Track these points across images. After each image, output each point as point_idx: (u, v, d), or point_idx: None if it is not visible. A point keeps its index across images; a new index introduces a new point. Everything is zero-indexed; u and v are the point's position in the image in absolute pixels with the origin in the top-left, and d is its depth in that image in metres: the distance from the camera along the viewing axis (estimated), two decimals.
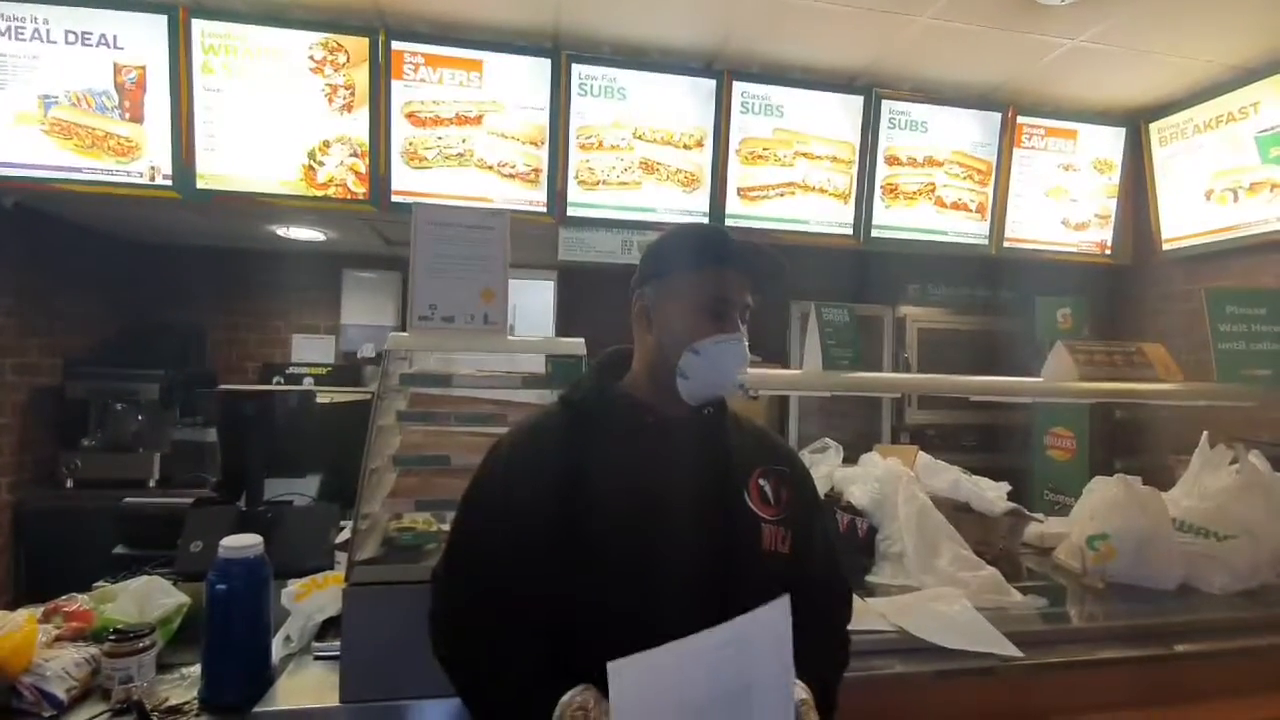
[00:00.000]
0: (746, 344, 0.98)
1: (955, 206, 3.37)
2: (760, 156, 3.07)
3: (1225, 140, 3.14)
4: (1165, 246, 3.45)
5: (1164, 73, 3.11)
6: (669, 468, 0.95)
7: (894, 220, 3.29)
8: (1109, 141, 3.54)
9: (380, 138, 2.79)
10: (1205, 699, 1.55)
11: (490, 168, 2.86)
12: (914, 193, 3.29)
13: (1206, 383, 2.16)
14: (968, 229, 3.43)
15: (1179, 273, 3.43)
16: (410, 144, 2.82)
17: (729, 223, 3.06)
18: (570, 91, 2.91)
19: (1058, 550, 2.11)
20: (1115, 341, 2.24)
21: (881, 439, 3.74)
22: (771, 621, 0.74)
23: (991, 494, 2.17)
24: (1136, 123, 3.50)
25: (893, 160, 3.25)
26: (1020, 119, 3.38)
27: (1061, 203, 3.54)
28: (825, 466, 2.22)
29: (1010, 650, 1.43)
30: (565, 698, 0.80)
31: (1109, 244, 3.65)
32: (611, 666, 0.71)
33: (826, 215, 3.20)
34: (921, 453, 2.36)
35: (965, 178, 3.37)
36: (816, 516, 1.08)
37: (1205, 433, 2.35)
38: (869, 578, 1.85)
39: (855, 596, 1.68)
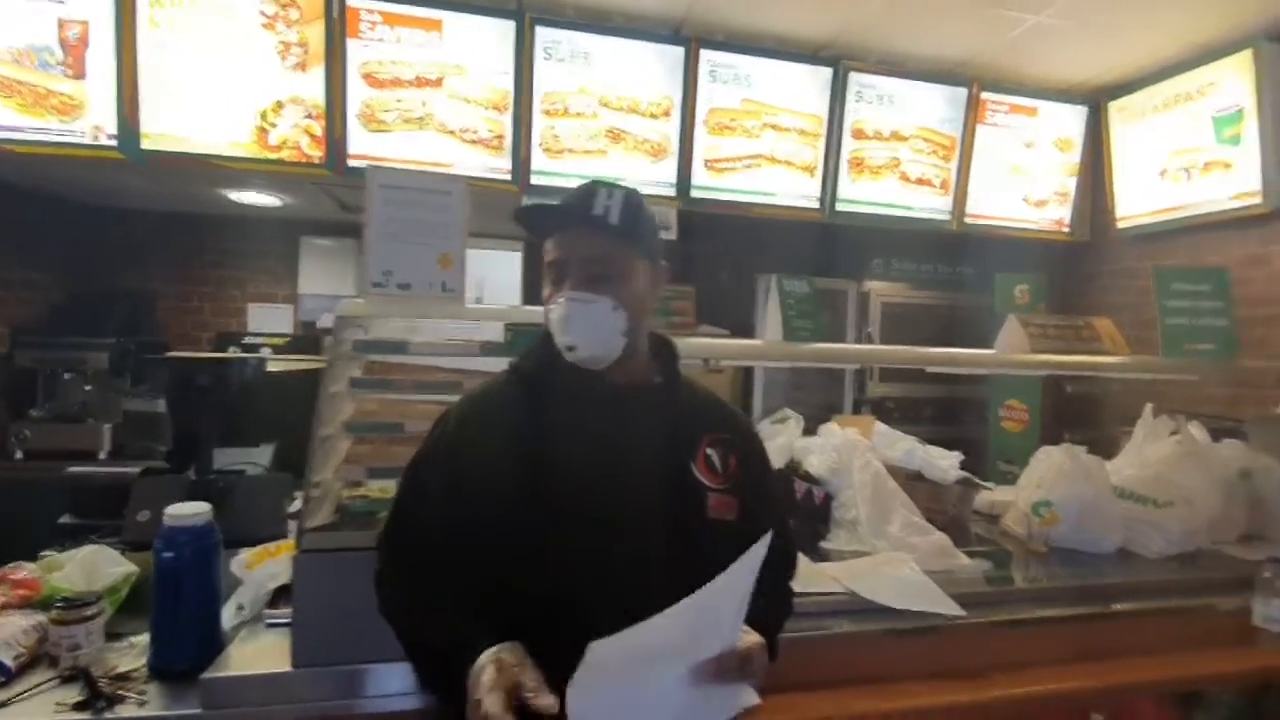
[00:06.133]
0: (576, 304, 0.94)
1: (920, 182, 3.39)
2: (728, 127, 3.04)
3: (1182, 119, 3.20)
4: (1120, 224, 3.53)
5: (1124, 51, 3.15)
6: (615, 437, 0.95)
7: (859, 194, 3.30)
8: (1070, 119, 3.59)
9: (336, 99, 2.69)
10: (1139, 656, 1.63)
11: (452, 133, 2.79)
12: (879, 167, 3.31)
13: (1152, 356, 2.24)
14: (931, 204, 3.46)
15: (1133, 250, 3.52)
16: (368, 106, 2.73)
17: (695, 194, 3.04)
18: (534, 56, 2.83)
19: (1005, 517, 2.18)
20: (1065, 316, 2.30)
21: (843, 411, 3.81)
22: (741, 570, 0.76)
23: (944, 463, 2.23)
24: (1096, 101, 3.56)
25: (859, 134, 3.25)
26: (984, 95, 3.40)
27: (1023, 180, 3.59)
28: (786, 436, 2.25)
29: (954, 610, 1.48)
30: (485, 653, 0.81)
31: (1068, 221, 3.72)
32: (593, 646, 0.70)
33: (793, 188, 3.20)
34: (879, 423, 2.41)
35: (930, 153, 3.39)
36: (766, 483, 1.09)
37: (1148, 405, 2.44)
38: (824, 543, 1.89)
39: (810, 561, 1.74)
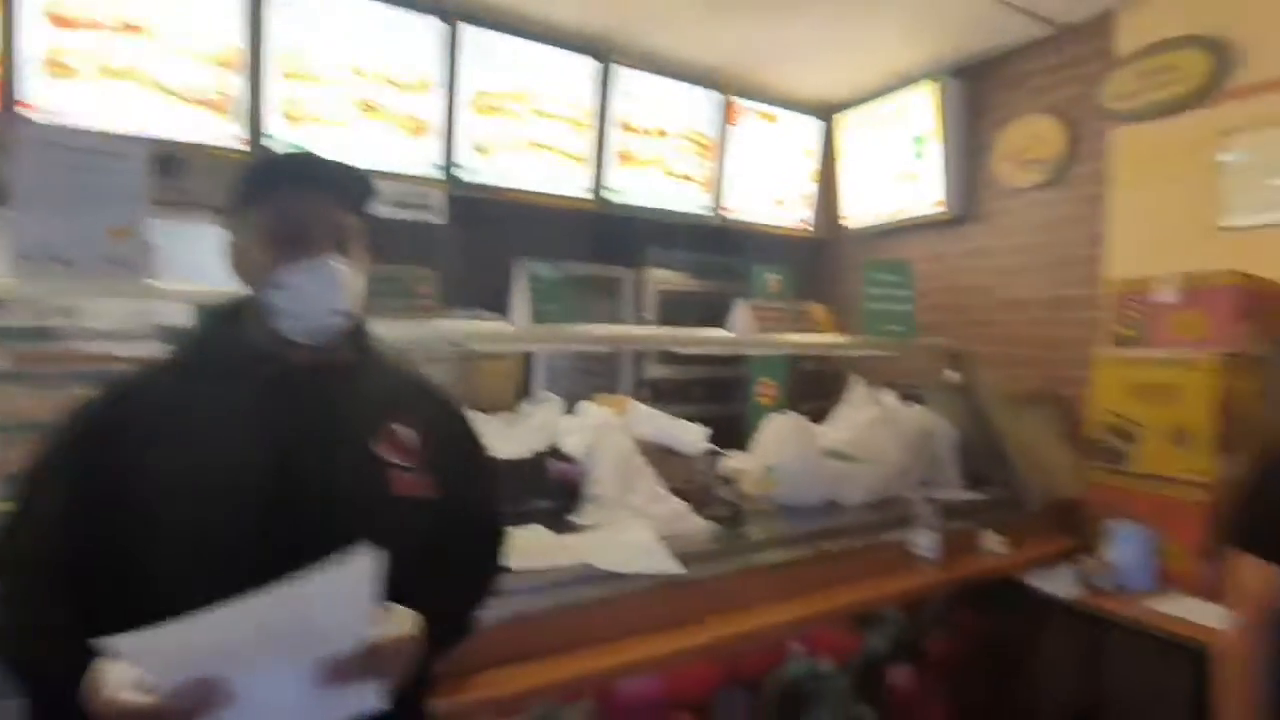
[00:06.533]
0: (343, 268, 0.91)
1: (683, 177, 3.64)
2: (495, 109, 3.00)
3: (891, 136, 3.78)
4: (849, 225, 4.09)
5: (848, 73, 3.63)
6: (289, 421, 0.90)
7: (628, 186, 3.45)
8: (809, 130, 4.06)
9: (3, 37, 2.21)
10: (832, 588, 1.92)
11: (166, 89, 2.42)
12: (646, 161, 3.48)
13: (855, 336, 2.63)
14: (695, 199, 3.73)
15: (859, 248, 4.10)
16: (54, 50, 2.27)
17: (462, 176, 2.96)
18: (266, 11, 2.54)
19: (742, 480, 2.43)
20: (787, 302, 2.63)
21: (622, 393, 3.98)
22: (340, 580, 0.73)
23: (690, 437, 2.42)
24: (828, 115, 4.07)
25: (627, 127, 3.39)
26: (737, 100, 3.73)
27: (772, 181, 4.00)
28: (544, 418, 2.30)
29: (676, 568, 1.62)
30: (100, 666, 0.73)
31: (811, 221, 4.22)
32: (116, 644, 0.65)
33: (564, 176, 3.25)
34: (634, 402, 2.56)
35: (692, 151, 3.65)
36: (472, 462, 1.10)
37: (856, 377, 2.87)
38: (575, 518, 1.97)
39: (552, 535, 1.80)
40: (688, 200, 3.70)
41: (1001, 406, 2.74)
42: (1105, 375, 2.31)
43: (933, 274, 3.60)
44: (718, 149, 3.72)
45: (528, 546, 1.66)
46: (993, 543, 2.26)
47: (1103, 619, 2.07)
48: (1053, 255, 3.07)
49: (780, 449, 2.33)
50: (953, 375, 2.80)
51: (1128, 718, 2.04)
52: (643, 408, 2.52)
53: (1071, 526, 2.45)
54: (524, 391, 3.62)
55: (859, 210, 4.04)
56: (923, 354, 2.92)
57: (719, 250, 4.14)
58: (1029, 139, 3.16)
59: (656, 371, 4.11)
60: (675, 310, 4.13)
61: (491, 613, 1.38)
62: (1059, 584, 2.18)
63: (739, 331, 2.33)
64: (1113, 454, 2.29)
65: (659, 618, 1.59)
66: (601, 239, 3.74)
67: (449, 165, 2.94)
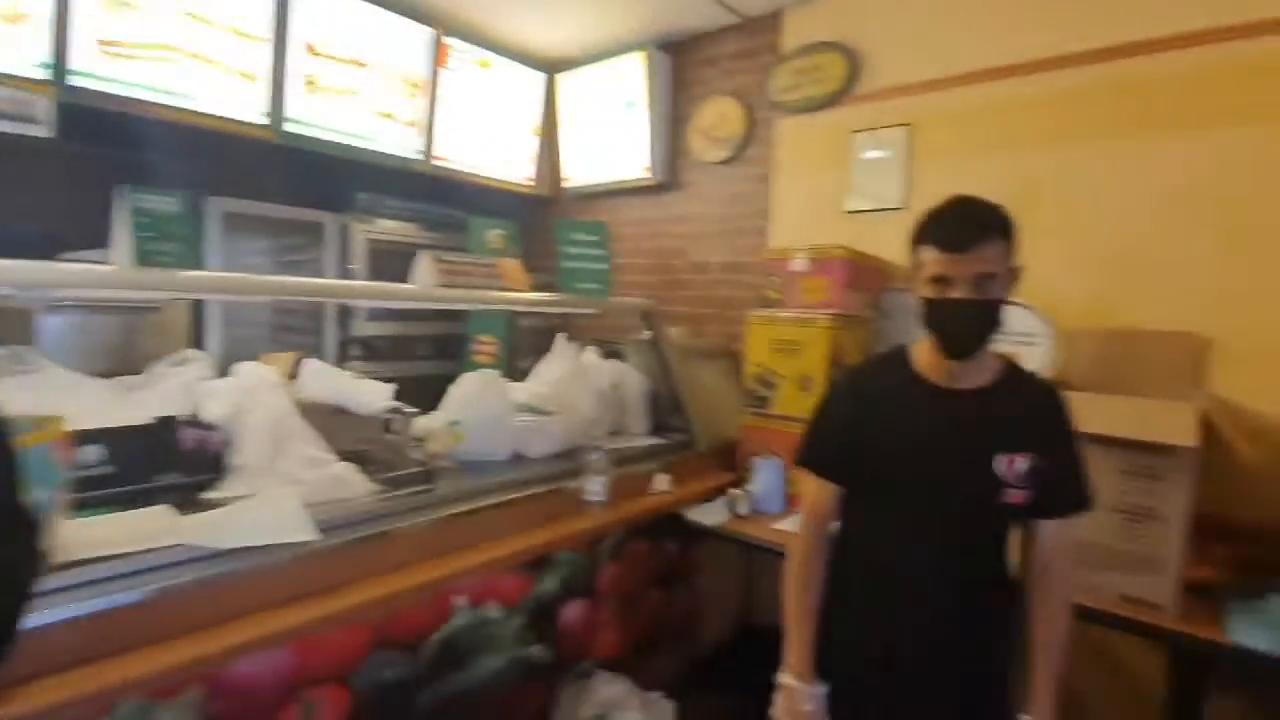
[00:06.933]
0: None
1: (387, 116, 3.35)
2: (127, 3, 2.43)
3: (606, 100, 3.88)
4: (569, 184, 4.15)
5: (566, 31, 3.61)
6: None
7: (316, 119, 3.05)
8: (531, 84, 3.99)
9: None
10: (507, 536, 1.96)
11: None
12: (338, 90, 3.12)
13: (551, 293, 2.68)
14: (403, 142, 3.46)
15: (578, 206, 4.19)
16: None
17: (79, 82, 2.35)
18: None
19: (428, 439, 2.37)
20: (477, 257, 2.59)
21: (325, 352, 3.64)
22: None
23: (369, 396, 2.29)
24: (550, 72, 4.05)
25: (313, 51, 2.99)
26: (449, 40, 3.51)
27: (491, 132, 3.88)
28: (184, 380, 1.99)
29: (307, 536, 1.51)
30: None
31: (533, 177, 4.19)
32: None
33: (227, 96, 2.76)
34: (310, 360, 2.34)
35: (398, 90, 3.36)
36: None
37: (561, 334, 2.95)
38: (210, 494, 1.74)
39: (171, 513, 1.57)
40: (394, 143, 3.42)
41: (683, 360, 3.03)
42: (755, 332, 2.67)
43: (640, 236, 3.83)
44: (428, 90, 3.48)
45: (130, 531, 1.43)
46: (662, 483, 2.51)
47: (743, 540, 2.41)
48: (733, 225, 3.45)
49: (467, 406, 2.31)
50: (645, 332, 3.02)
51: (777, 622, 2.43)
52: (319, 366, 2.32)
53: (731, 464, 2.82)
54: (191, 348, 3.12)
55: (579, 170, 4.11)
56: (625, 312, 3.09)
57: (441, 201, 3.93)
58: (717, 118, 3.47)
59: (367, 328, 3.83)
60: (389, 262, 3.84)
61: (49, 615, 1.17)
62: (713, 515, 2.49)
63: (420, 285, 2.23)
64: (760, 400, 2.66)
65: (291, 590, 1.48)
66: (297, 178, 3.31)
67: (60, 66, 2.31)
